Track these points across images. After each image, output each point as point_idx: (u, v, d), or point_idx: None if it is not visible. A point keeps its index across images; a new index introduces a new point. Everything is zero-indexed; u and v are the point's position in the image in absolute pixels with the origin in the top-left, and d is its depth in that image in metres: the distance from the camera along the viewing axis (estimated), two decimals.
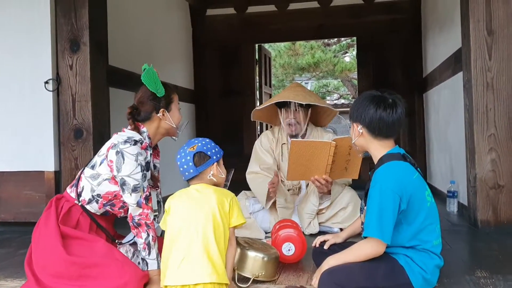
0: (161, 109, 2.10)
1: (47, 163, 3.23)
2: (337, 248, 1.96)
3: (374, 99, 1.80)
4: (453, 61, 3.65)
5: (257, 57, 6.02)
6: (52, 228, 1.90)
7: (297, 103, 2.93)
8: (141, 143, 2.01)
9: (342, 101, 15.05)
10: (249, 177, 3.08)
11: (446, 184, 3.89)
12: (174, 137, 2.21)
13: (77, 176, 2.09)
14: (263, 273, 1.97)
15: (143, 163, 1.98)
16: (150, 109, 2.09)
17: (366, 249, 1.69)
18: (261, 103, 6.16)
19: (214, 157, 1.86)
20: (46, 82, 3.20)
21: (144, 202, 1.95)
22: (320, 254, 2.01)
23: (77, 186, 2.03)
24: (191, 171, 1.82)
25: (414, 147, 5.27)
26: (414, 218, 1.70)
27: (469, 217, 3.11)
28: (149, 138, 2.09)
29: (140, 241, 1.94)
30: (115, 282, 1.77)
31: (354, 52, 11.93)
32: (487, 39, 2.92)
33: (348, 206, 2.90)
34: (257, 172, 3.04)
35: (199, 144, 1.85)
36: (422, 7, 5.17)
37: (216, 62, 5.76)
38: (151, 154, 2.11)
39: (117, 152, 1.93)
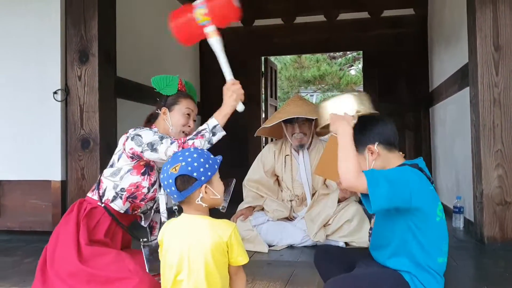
0: (163, 108, 2.17)
1: (53, 172, 3.24)
2: (340, 254, 1.96)
3: (369, 117, 1.79)
4: (459, 76, 3.66)
5: (263, 69, 6.04)
6: (71, 234, 1.91)
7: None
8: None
9: None
10: (244, 188, 3.24)
11: (452, 199, 3.87)
12: None
13: (97, 181, 2.12)
14: (362, 108, 1.79)
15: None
16: (157, 107, 2.21)
17: (354, 166, 1.60)
18: (266, 115, 6.17)
19: (202, 178, 1.51)
20: (55, 93, 3.23)
21: (175, 142, 1.94)
22: (322, 260, 1.98)
23: (98, 188, 2.06)
24: (175, 196, 1.51)
25: None
26: (421, 225, 1.66)
27: (475, 233, 3.09)
28: None
29: (202, 141, 1.96)
30: None
31: (360, 66, 11.96)
32: (494, 54, 2.93)
33: (354, 219, 2.89)
34: (244, 186, 3.23)
35: (183, 164, 1.50)
36: (429, 21, 5.19)
37: (223, 74, 5.77)
38: None
39: (132, 138, 2.00)
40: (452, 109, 4.06)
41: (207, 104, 5.75)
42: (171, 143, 1.95)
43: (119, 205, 2.05)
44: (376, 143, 1.75)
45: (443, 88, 4.36)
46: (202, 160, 1.54)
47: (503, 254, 2.70)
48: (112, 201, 2.04)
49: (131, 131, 2.04)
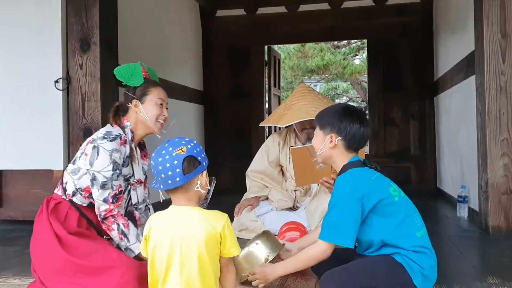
0: (134, 100, 2.10)
1: (56, 162, 3.23)
2: (335, 255, 1.95)
3: (357, 114, 1.83)
4: (465, 64, 3.61)
5: (266, 58, 6.00)
6: (46, 230, 1.90)
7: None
8: (120, 138, 2.00)
9: (352, 104, 14.99)
10: (247, 178, 3.21)
11: (456, 189, 3.85)
12: (157, 135, 2.17)
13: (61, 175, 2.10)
14: (270, 252, 1.95)
15: (119, 161, 1.97)
16: (126, 100, 2.14)
17: (317, 254, 1.74)
18: (270, 105, 6.14)
19: (204, 163, 1.55)
20: (56, 81, 3.20)
21: (111, 200, 1.94)
22: (320, 266, 1.98)
23: (62, 183, 2.05)
24: (178, 179, 1.47)
25: (424, 151, 5.22)
26: (385, 214, 1.72)
27: (480, 223, 3.06)
28: (132, 132, 2.09)
29: (114, 234, 1.94)
30: (116, 280, 1.74)
31: (364, 55, 11.87)
32: (501, 42, 2.88)
33: None
34: (248, 176, 3.20)
35: (188, 146, 1.51)
36: (434, 9, 5.13)
37: (226, 63, 5.75)
38: (134, 147, 2.11)
39: (94, 147, 1.95)
40: (458, 97, 4.02)
41: (209, 94, 5.72)
42: (105, 200, 1.93)
43: (80, 200, 2.02)
44: (340, 137, 1.80)
45: (448, 76, 4.32)
46: (201, 147, 1.57)
47: (508, 243, 2.68)
48: (73, 195, 2.01)
49: (99, 137, 1.97)
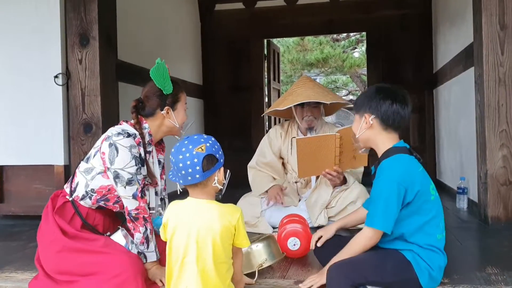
0: (166, 107, 2.02)
1: (56, 157, 3.25)
2: (338, 241, 1.96)
3: (388, 91, 1.82)
4: (464, 56, 3.62)
5: (265, 52, 5.99)
6: (51, 226, 1.89)
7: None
8: (134, 138, 1.93)
9: (351, 97, 14.95)
10: (249, 172, 3.18)
11: (456, 180, 3.86)
12: (176, 136, 2.12)
13: (73, 172, 2.05)
14: (266, 259, 1.97)
15: (137, 156, 1.91)
16: (155, 105, 2.02)
17: (365, 241, 1.73)
18: (269, 98, 6.14)
19: (221, 160, 1.63)
20: (56, 77, 3.21)
21: (139, 195, 1.90)
22: (321, 248, 2.01)
23: (71, 181, 1.99)
24: (197, 176, 1.55)
25: (423, 143, 5.23)
26: (418, 210, 1.72)
27: (479, 214, 3.08)
28: (150, 135, 2.02)
29: (138, 236, 1.90)
30: (120, 277, 1.75)
31: (363, 48, 11.86)
32: (499, 33, 2.88)
33: (357, 200, 2.89)
34: (254, 167, 3.16)
35: (207, 145, 1.58)
36: (433, 2, 5.12)
37: (225, 57, 5.75)
38: (149, 151, 2.04)
39: (110, 144, 1.88)
40: (457, 90, 4.03)
41: (209, 88, 5.72)
42: (134, 196, 1.88)
43: (88, 204, 1.97)
44: (373, 116, 1.79)
45: (447, 69, 4.32)
46: (218, 144, 1.64)
47: (507, 234, 2.70)
48: (82, 199, 1.96)
49: (114, 133, 1.90)
